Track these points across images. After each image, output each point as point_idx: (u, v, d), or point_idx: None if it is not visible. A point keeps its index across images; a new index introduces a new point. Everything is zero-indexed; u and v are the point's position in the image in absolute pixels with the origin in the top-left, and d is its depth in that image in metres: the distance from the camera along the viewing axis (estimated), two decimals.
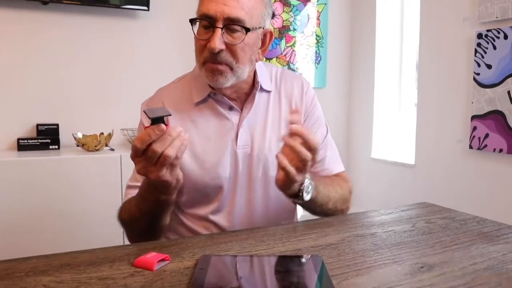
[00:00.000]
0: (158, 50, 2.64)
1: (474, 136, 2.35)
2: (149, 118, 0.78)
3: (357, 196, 2.34)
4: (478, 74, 2.31)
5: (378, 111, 3.11)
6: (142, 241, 0.88)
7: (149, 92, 1.20)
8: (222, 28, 0.97)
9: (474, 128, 2.35)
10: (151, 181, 0.85)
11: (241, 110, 1.12)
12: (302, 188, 0.93)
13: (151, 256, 0.71)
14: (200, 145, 1.09)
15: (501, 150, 2.23)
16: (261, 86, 1.12)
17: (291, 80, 1.20)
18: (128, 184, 1.11)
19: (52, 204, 2.02)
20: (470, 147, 2.38)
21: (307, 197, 0.95)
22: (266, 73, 1.17)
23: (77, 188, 2.06)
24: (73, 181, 2.05)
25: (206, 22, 0.99)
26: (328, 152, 1.19)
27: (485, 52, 2.27)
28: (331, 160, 1.19)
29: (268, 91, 1.15)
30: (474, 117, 2.35)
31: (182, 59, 2.61)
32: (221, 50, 0.98)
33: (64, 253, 0.77)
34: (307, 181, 0.94)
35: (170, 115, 0.80)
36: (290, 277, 0.67)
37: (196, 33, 1.02)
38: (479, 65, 2.31)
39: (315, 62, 3.16)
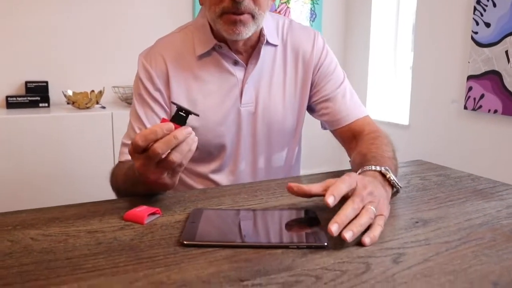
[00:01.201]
0: (150, 5, 2.56)
1: (469, 97, 2.33)
2: (177, 107, 0.71)
3: None
4: (476, 33, 2.27)
5: (373, 71, 3.07)
6: None
7: (141, 49, 1.15)
8: None
9: (470, 89, 2.32)
10: (147, 180, 0.74)
11: (246, 65, 1.06)
12: (392, 184, 0.81)
13: (141, 210, 0.70)
14: (202, 102, 1.04)
15: (495, 111, 2.21)
16: (267, 39, 1.05)
17: (298, 32, 1.12)
18: (123, 141, 1.06)
19: (42, 162, 2.00)
20: (465, 107, 2.36)
21: (399, 183, 0.83)
22: (272, 25, 1.10)
23: (67, 146, 2.04)
24: (63, 139, 2.03)
25: None
26: (347, 97, 1.12)
27: (485, 10, 2.22)
28: (352, 107, 1.12)
29: (275, 45, 1.09)
30: (470, 77, 2.32)
31: (174, 13, 2.54)
32: None
33: (53, 207, 0.76)
34: (389, 176, 0.81)
35: (197, 115, 0.73)
36: (282, 231, 0.66)
37: None
38: (477, 24, 2.26)
39: (310, 20, 3.09)
